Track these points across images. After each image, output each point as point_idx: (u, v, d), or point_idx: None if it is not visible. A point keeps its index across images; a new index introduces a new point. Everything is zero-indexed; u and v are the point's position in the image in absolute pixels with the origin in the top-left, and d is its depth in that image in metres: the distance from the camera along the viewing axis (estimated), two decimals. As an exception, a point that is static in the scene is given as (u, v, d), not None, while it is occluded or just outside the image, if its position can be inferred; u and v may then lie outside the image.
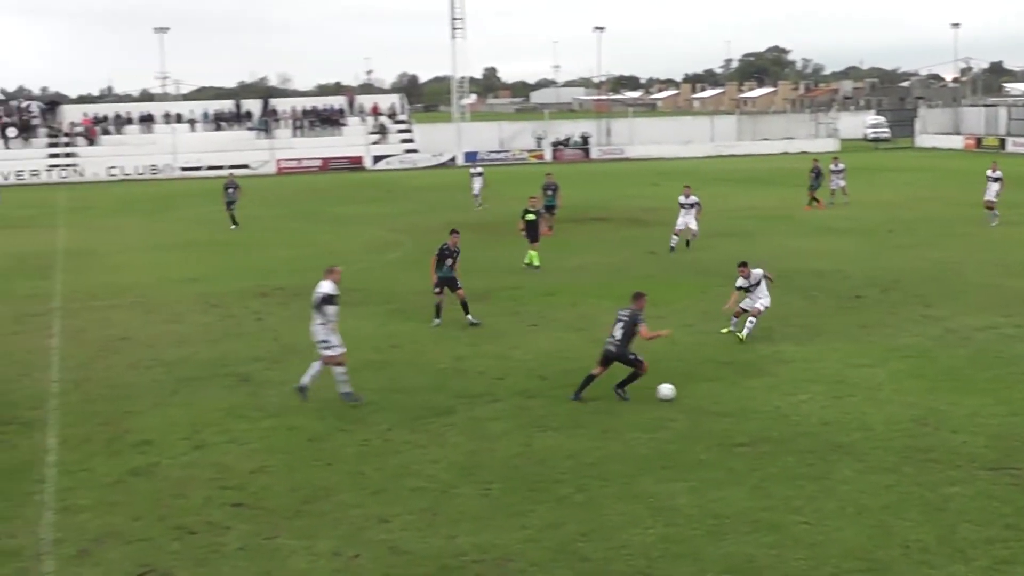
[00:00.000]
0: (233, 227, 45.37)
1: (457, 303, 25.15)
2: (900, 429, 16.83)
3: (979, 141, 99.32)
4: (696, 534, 13.07)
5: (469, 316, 25.29)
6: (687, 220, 36.05)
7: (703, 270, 32.10)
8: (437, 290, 25.23)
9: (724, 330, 23.51)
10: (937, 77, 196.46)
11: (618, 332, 18.70)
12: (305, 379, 18.97)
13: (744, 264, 23.72)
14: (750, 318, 23.10)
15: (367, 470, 15.59)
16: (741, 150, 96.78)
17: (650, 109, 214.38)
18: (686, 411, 17.97)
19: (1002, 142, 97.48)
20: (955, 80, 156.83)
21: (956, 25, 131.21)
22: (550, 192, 40.73)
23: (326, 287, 18.84)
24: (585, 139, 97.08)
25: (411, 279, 30.20)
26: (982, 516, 13.42)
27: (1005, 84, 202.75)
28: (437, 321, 25.27)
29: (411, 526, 13.52)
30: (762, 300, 23.27)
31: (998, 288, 28.38)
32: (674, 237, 36.04)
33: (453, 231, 26.19)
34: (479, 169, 54.76)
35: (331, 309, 18.75)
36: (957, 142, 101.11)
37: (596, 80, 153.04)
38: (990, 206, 41.23)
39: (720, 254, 34.15)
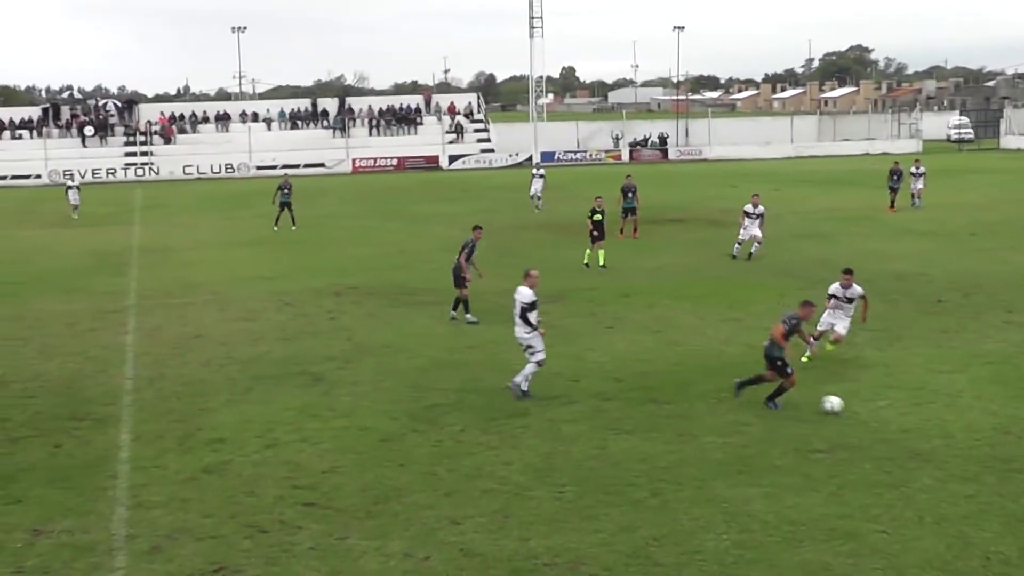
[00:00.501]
0: (293, 227, 45.63)
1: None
2: (981, 437, 16.54)
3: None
4: (771, 541, 12.94)
5: (468, 315, 25.85)
6: (752, 231, 34.59)
7: (782, 271, 31.82)
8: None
9: (804, 358, 21.17)
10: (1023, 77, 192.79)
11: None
12: (518, 379, 19.18)
13: (850, 272, 21.82)
14: (829, 343, 21.66)
15: (439, 471, 15.64)
16: (821, 151, 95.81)
17: (729, 109, 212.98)
18: (763, 416, 17.81)
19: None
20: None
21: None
22: (630, 194, 40.44)
23: (526, 294, 19.02)
24: (663, 139, 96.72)
25: (485, 279, 30.27)
26: (1067, 528, 13.16)
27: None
28: (471, 318, 25.80)
29: (483, 528, 13.54)
30: (845, 323, 21.61)
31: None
32: (737, 246, 34.96)
33: (476, 227, 26.73)
34: (541, 171, 54.46)
35: (533, 315, 18.97)
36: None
37: (675, 80, 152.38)
38: None
39: (799, 256, 33.85)
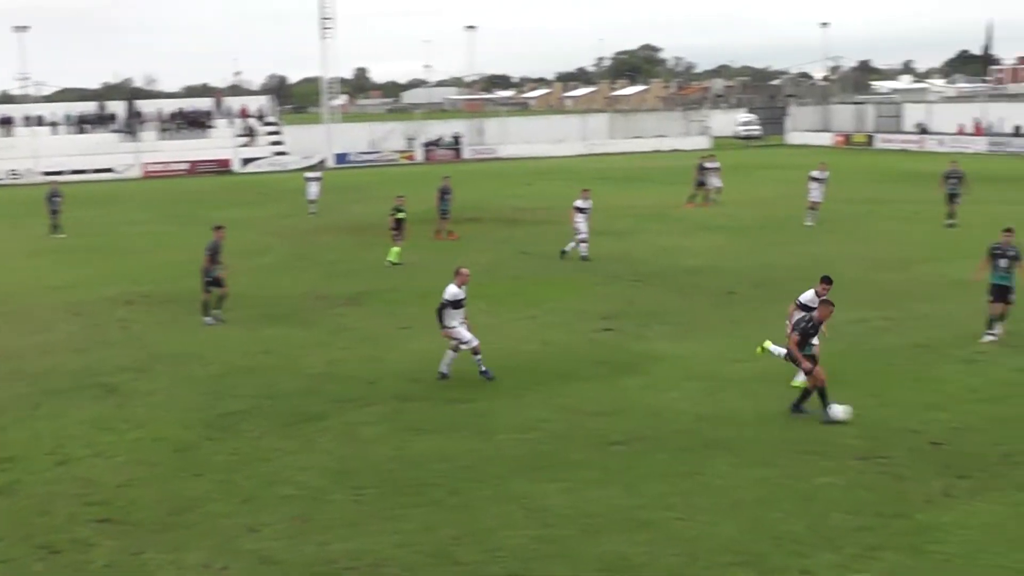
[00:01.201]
0: (62, 235, 44.07)
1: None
2: (772, 423, 17.25)
3: (848, 138, 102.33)
4: (570, 534, 13.18)
5: (207, 317, 26.08)
6: (580, 225, 34.39)
7: (578, 268, 32.43)
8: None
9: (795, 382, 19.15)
10: (807, 76, 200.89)
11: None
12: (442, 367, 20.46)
13: (829, 281, 19.57)
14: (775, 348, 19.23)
15: (237, 479, 15.39)
16: (613, 148, 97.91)
17: (522, 108, 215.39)
18: (560, 411, 18.12)
19: (870, 139, 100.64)
20: (824, 78, 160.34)
21: (825, 24, 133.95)
22: (447, 196, 40.27)
23: (449, 291, 20.13)
24: (457, 139, 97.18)
25: (283, 283, 29.95)
26: (852, 505, 13.82)
27: (872, 82, 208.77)
28: (208, 320, 25.98)
29: (282, 535, 13.39)
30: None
31: (869, 282, 29.20)
32: (574, 244, 34.48)
33: (217, 227, 26.93)
34: (317, 174, 53.80)
35: (448, 312, 20.10)
36: (827, 139, 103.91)
37: (468, 80, 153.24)
38: (814, 206, 42.17)
39: (595, 252, 34.45)
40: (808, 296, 19.43)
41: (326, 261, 34.92)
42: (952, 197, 41.06)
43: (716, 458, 15.67)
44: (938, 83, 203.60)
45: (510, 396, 18.97)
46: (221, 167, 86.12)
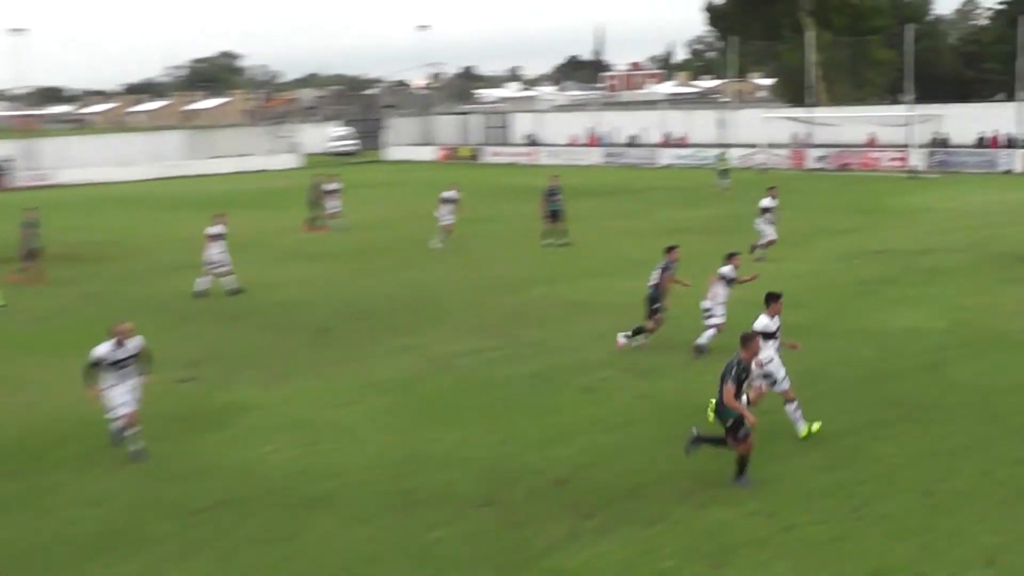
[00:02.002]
0: None
1: None
2: (380, 473, 17.25)
3: (453, 151, 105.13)
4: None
5: None
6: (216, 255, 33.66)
7: (155, 307, 31.28)
8: None
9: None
10: (406, 84, 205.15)
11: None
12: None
13: (777, 298, 19.35)
14: None
15: None
16: (191, 170, 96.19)
17: (82, 126, 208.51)
18: (134, 478, 17.42)
19: (477, 152, 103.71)
20: (425, 87, 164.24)
21: (424, 28, 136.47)
22: (33, 231, 38.12)
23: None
24: (6, 163, 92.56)
25: None
26: (471, 558, 14.01)
27: (478, 90, 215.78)
28: None
29: None
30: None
31: (479, 308, 29.98)
32: (227, 278, 33.68)
33: None
34: None
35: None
36: (430, 153, 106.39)
37: (14, 93, 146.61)
38: (446, 229, 43.10)
39: (177, 288, 33.65)
40: (764, 322, 19.12)
41: None
42: (555, 214, 42.58)
43: (318, 517, 15.50)
44: (548, 91, 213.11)
45: (75, 466, 18.06)
46: None
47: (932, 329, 26.02)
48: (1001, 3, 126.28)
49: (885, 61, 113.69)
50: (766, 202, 38.19)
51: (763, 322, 19.02)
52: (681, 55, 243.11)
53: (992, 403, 20.01)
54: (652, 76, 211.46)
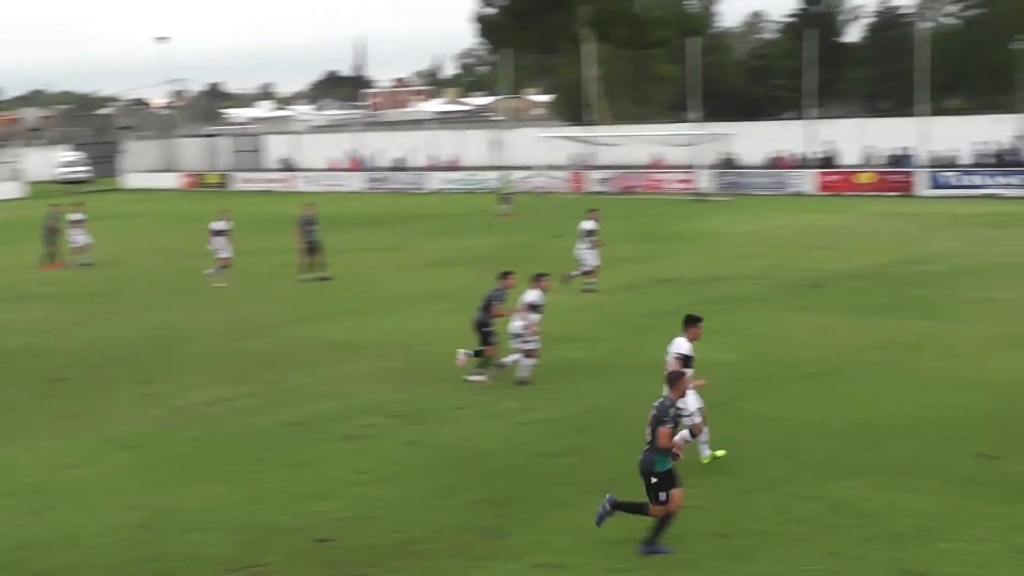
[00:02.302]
0: None
1: None
2: (122, 539, 16.94)
3: (199, 178, 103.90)
4: None
5: None
6: None
7: None
8: None
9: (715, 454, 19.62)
10: (144, 102, 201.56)
11: (649, 433, 15.88)
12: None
13: (697, 321, 19.59)
14: None
15: None
16: None
17: None
18: None
19: (226, 178, 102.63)
20: (167, 106, 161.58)
21: (163, 40, 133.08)
22: None
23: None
24: None
25: None
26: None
27: (226, 110, 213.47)
28: None
29: None
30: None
31: (230, 352, 29.74)
32: None
33: None
34: None
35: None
36: (173, 180, 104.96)
37: None
38: (224, 263, 42.71)
39: None
40: (685, 346, 19.27)
41: None
42: (312, 246, 42.55)
43: (48, 593, 15.20)
44: (304, 110, 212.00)
45: None
46: None
47: (724, 361, 26.75)
48: (788, 16, 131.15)
49: (669, 77, 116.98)
50: (588, 225, 38.79)
51: (683, 347, 19.22)
52: (450, 70, 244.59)
53: (786, 437, 20.78)
54: (419, 93, 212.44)
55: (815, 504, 17.30)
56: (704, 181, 79.65)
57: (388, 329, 31.86)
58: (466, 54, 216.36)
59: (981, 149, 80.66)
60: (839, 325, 30.39)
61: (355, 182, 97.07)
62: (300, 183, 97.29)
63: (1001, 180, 73.43)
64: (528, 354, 25.08)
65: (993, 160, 79.73)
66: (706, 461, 19.29)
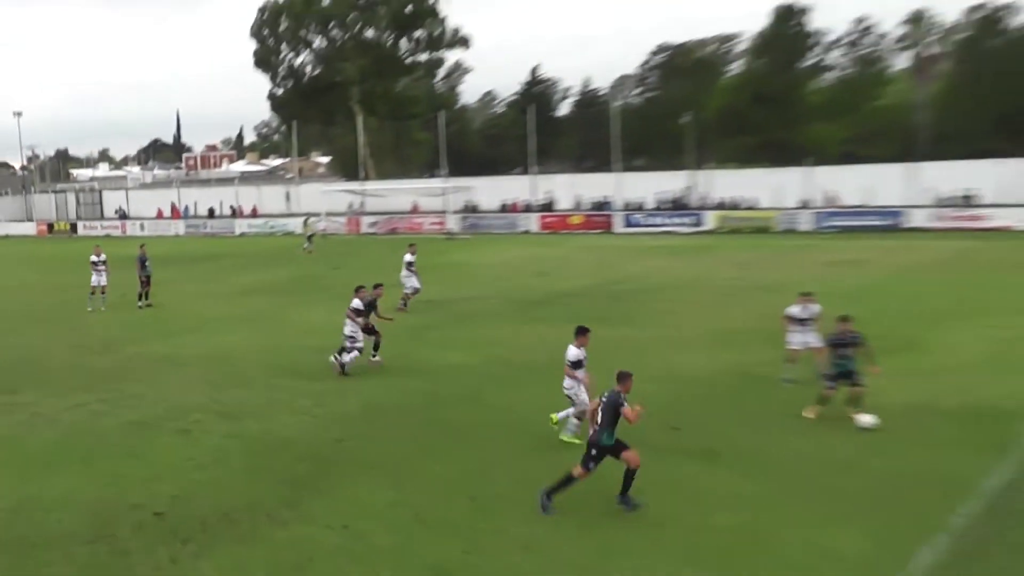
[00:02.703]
0: None
1: None
2: (-4, 521, 16.26)
3: (51, 226, 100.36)
4: None
5: None
6: None
7: None
8: None
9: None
10: (7, 165, 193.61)
11: (600, 417, 15.51)
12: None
13: (585, 331, 19.40)
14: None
15: None
16: None
17: None
18: None
19: (74, 226, 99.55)
20: (23, 168, 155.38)
21: (19, 114, 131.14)
22: None
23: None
24: None
25: None
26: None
27: (73, 170, 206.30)
28: None
29: None
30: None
31: (83, 368, 28.65)
32: None
33: None
34: None
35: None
36: (30, 228, 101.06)
37: None
38: (96, 290, 40.80)
39: None
40: (574, 352, 19.16)
41: None
42: (146, 280, 41.15)
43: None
44: (135, 170, 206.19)
45: None
46: None
47: (471, 364, 27.06)
48: (514, 95, 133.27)
49: (423, 142, 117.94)
50: (408, 257, 38.55)
51: (573, 352, 19.23)
52: (251, 137, 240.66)
53: (521, 422, 21.02)
54: (226, 156, 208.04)
55: (545, 473, 17.21)
56: (453, 223, 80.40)
57: (206, 345, 31.21)
58: (263, 125, 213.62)
59: (661, 196, 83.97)
60: (558, 333, 30.85)
61: (177, 228, 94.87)
62: (132, 229, 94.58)
63: (676, 220, 76.13)
64: (356, 350, 26.02)
65: (670, 205, 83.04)
66: (565, 440, 19.30)
